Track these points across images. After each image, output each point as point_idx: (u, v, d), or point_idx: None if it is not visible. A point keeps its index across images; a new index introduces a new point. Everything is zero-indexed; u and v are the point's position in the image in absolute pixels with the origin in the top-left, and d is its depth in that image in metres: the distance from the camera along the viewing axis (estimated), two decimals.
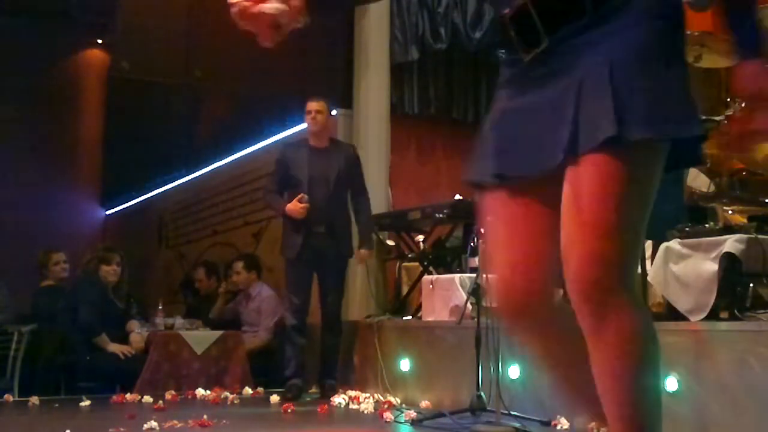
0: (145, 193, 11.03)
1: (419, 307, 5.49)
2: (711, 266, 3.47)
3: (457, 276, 5.01)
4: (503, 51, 1.68)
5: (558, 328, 1.67)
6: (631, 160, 1.47)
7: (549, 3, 1.55)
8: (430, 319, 5.14)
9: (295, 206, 5.46)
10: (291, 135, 7.18)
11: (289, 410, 4.77)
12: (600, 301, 1.49)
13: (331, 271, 5.62)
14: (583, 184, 1.49)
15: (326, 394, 5.44)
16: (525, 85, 1.61)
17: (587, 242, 1.48)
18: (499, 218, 1.66)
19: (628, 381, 1.53)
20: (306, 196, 5.46)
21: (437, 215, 5.64)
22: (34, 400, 5.25)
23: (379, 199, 6.30)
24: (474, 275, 4.28)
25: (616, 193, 1.47)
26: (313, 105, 5.63)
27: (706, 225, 3.75)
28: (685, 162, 1.62)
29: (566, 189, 1.52)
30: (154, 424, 3.92)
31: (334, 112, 6.29)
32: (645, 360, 1.53)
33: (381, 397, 5.08)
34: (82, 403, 5.03)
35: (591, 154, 1.47)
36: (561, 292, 1.69)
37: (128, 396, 5.42)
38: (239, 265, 6.81)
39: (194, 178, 9.63)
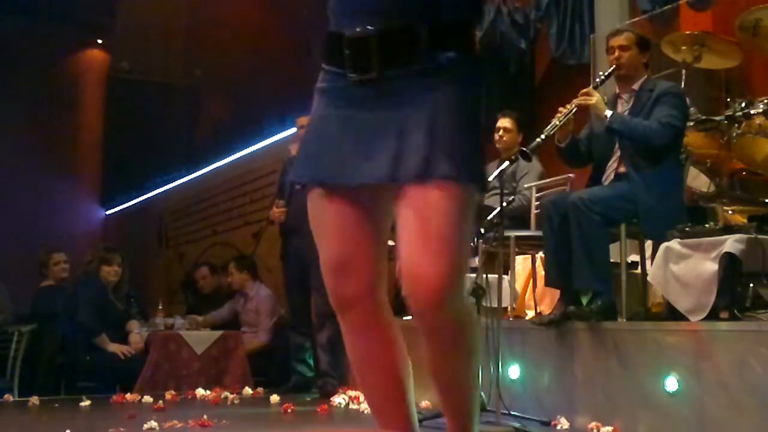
0: (145, 193, 11.04)
1: None
2: (711, 266, 3.46)
3: None
4: (326, 61, 1.82)
5: (381, 331, 1.89)
6: (464, 195, 1.71)
7: (388, 42, 1.71)
8: None
9: (273, 211, 5.74)
10: (291, 135, 7.19)
11: (289, 410, 4.76)
12: (443, 310, 1.74)
13: (314, 272, 5.65)
14: (420, 209, 1.68)
15: (322, 393, 5.47)
16: (347, 100, 1.77)
17: (435, 258, 1.67)
18: (322, 219, 1.81)
19: (463, 359, 1.90)
20: (282, 202, 5.68)
21: None
22: (34, 400, 5.25)
23: None
24: (474, 275, 4.28)
25: (455, 218, 1.70)
26: (301, 120, 5.81)
27: (706, 225, 3.75)
28: None
29: (407, 212, 1.70)
30: (154, 424, 3.92)
31: None
32: (472, 365, 1.89)
33: None
34: (82, 403, 5.02)
35: (420, 185, 1.68)
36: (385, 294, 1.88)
37: (128, 396, 5.41)
38: (232, 266, 6.92)
39: (194, 178, 9.63)
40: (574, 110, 4.04)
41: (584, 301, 3.94)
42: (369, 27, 1.70)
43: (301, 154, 1.86)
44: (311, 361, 5.81)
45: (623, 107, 4.13)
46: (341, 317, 1.85)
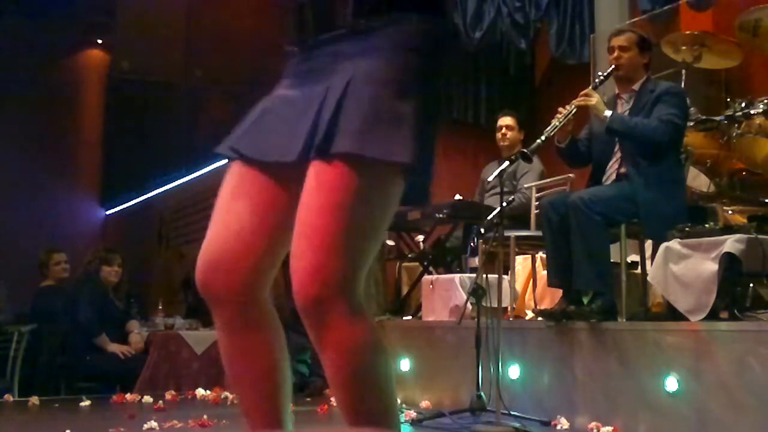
0: (145, 193, 11.03)
1: (419, 307, 5.49)
2: (711, 266, 3.46)
3: (457, 276, 5.01)
4: (289, 40, 1.74)
5: (256, 332, 1.66)
6: (348, 173, 1.50)
7: (320, 6, 1.63)
8: (430, 319, 5.14)
9: None
10: None
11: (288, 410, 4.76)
12: (319, 315, 1.51)
13: None
14: (309, 195, 1.52)
15: (311, 392, 5.50)
16: (295, 78, 1.68)
17: (306, 256, 1.49)
18: (228, 194, 1.68)
19: (352, 391, 1.55)
20: None
21: (437, 215, 5.64)
22: (34, 400, 5.24)
23: None
24: (474, 275, 4.28)
25: (336, 204, 1.49)
26: None
27: (706, 225, 3.75)
28: (410, 199, 1.65)
29: (301, 199, 1.54)
30: (154, 424, 3.92)
31: None
32: (365, 370, 1.55)
33: None
34: (82, 403, 5.02)
35: (316, 162, 1.52)
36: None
37: (128, 396, 5.41)
38: None
39: (194, 178, 9.62)
40: (573, 111, 4.04)
41: (585, 301, 3.95)
42: None
43: (238, 127, 1.74)
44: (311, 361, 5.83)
45: (623, 108, 4.13)
46: (213, 311, 1.67)
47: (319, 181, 1.51)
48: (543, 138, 4.02)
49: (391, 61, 1.56)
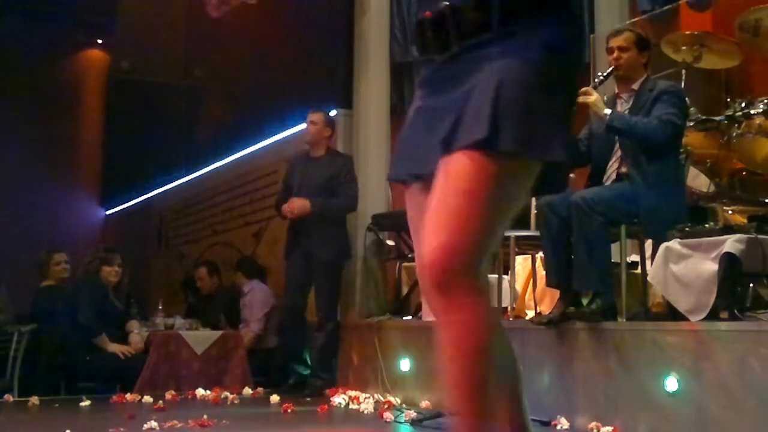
0: (145, 193, 11.03)
1: (419, 307, 5.49)
2: (711, 266, 3.46)
3: None
4: (419, 52, 1.79)
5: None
6: (497, 165, 1.57)
7: (463, 13, 1.66)
8: (430, 319, 5.14)
9: (294, 203, 5.65)
10: (291, 135, 7.20)
11: (289, 410, 4.77)
12: (448, 289, 1.57)
13: (320, 274, 5.68)
14: (448, 177, 1.58)
15: (311, 392, 5.50)
16: (434, 87, 1.73)
17: (440, 235, 1.56)
18: (415, 215, 1.75)
19: (469, 368, 1.62)
20: (295, 199, 5.68)
21: None
22: (34, 400, 5.25)
23: (379, 199, 6.31)
24: None
25: (475, 190, 1.56)
26: (309, 116, 5.87)
27: (706, 225, 3.75)
28: (548, 188, 1.74)
29: (438, 179, 1.60)
30: (154, 424, 3.92)
31: (334, 113, 6.31)
32: (485, 347, 1.62)
33: (381, 397, 5.08)
34: (82, 403, 5.03)
35: (461, 151, 1.57)
36: None
37: (128, 396, 5.42)
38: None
39: (194, 178, 9.63)
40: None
41: (584, 301, 3.95)
42: (446, 3, 1.67)
43: (395, 152, 1.82)
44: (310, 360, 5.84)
45: (623, 107, 4.13)
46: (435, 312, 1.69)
47: (458, 167, 1.57)
48: None
49: (538, 61, 1.62)
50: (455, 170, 1.57)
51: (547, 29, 1.65)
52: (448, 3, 1.66)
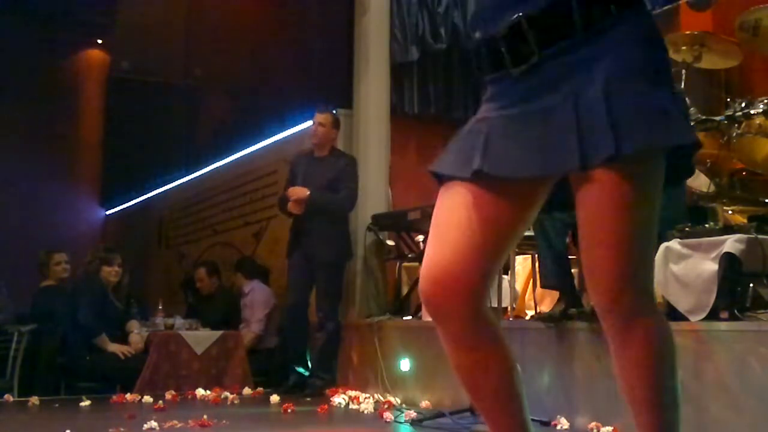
0: (145, 193, 11.03)
1: (419, 307, 5.49)
2: (711, 266, 3.46)
3: None
4: (486, 71, 1.74)
5: (483, 342, 1.72)
6: (636, 173, 1.57)
7: (542, 20, 1.63)
8: (430, 319, 5.13)
9: (293, 191, 5.69)
10: (291, 135, 7.20)
11: (289, 410, 4.77)
12: (624, 315, 1.62)
13: (321, 275, 5.69)
14: (598, 203, 1.57)
15: (311, 392, 5.50)
16: (512, 99, 1.68)
17: (609, 264, 1.58)
18: (451, 212, 1.69)
19: (659, 386, 1.69)
20: (296, 187, 5.72)
21: None
22: (34, 400, 5.25)
23: (379, 199, 6.31)
24: None
25: (629, 210, 1.57)
26: (317, 117, 5.85)
27: (706, 225, 3.75)
28: (683, 173, 1.73)
29: (583, 208, 1.60)
30: (154, 424, 3.92)
31: (335, 112, 6.32)
32: (671, 363, 1.72)
33: (381, 397, 5.08)
34: (82, 403, 5.02)
35: (599, 170, 1.56)
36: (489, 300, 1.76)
37: (128, 396, 5.42)
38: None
39: (194, 178, 9.62)
40: None
41: (585, 302, 3.95)
42: (519, 14, 1.64)
43: (450, 149, 1.75)
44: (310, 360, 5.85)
45: None
46: (438, 327, 1.73)
47: (615, 191, 1.56)
48: None
49: (635, 53, 1.61)
50: (601, 195, 1.56)
51: (632, 22, 1.64)
52: (521, 14, 1.63)
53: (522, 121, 1.64)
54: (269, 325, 6.59)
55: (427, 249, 1.72)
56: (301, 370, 5.80)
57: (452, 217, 1.68)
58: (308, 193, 5.62)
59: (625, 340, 1.66)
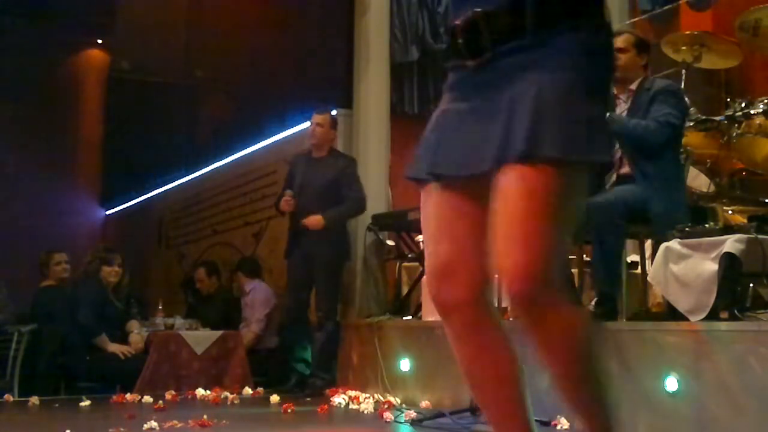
0: (145, 193, 11.03)
1: (419, 307, 5.49)
2: (711, 266, 3.46)
3: None
4: (450, 58, 1.79)
5: (489, 336, 1.77)
6: (552, 175, 1.60)
7: (496, 19, 1.67)
8: (430, 319, 5.14)
9: (284, 201, 5.72)
10: (291, 135, 7.20)
11: (289, 410, 4.77)
12: (534, 309, 1.63)
13: (321, 274, 5.69)
14: (510, 197, 1.61)
15: (311, 392, 5.50)
16: (467, 91, 1.74)
17: (515, 256, 1.59)
18: (432, 214, 1.77)
19: (579, 374, 1.72)
20: (290, 192, 5.72)
21: None
22: (34, 400, 5.25)
23: (379, 199, 6.31)
24: None
25: (543, 208, 1.61)
26: (316, 118, 5.84)
27: (706, 225, 3.75)
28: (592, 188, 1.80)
29: (500, 196, 1.63)
30: (154, 424, 3.92)
31: (333, 113, 6.32)
32: (588, 349, 1.72)
33: (381, 397, 5.08)
34: (82, 403, 5.02)
35: (516, 166, 1.60)
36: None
37: (128, 396, 5.42)
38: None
39: (194, 178, 9.62)
40: None
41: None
42: (477, 9, 1.68)
43: (418, 151, 1.82)
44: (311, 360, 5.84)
45: (621, 108, 4.13)
46: (445, 323, 1.77)
47: (524, 186, 1.60)
48: None
49: (576, 65, 1.65)
50: (522, 188, 1.60)
51: (583, 36, 1.68)
52: (480, 9, 1.67)
53: (470, 117, 1.70)
54: (269, 324, 6.59)
55: (426, 249, 1.78)
56: (301, 370, 5.81)
57: (439, 215, 1.75)
58: (322, 221, 5.60)
59: (537, 331, 1.68)
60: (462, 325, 1.75)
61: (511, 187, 1.60)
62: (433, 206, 1.77)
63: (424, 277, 5.50)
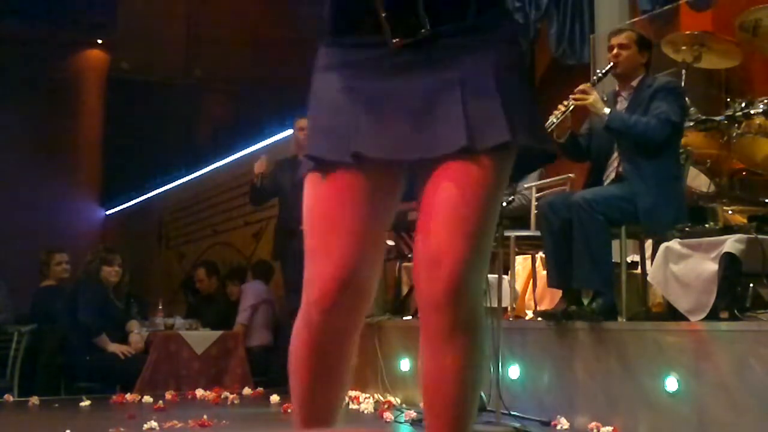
0: (145, 193, 11.04)
1: None
2: (711, 266, 3.46)
3: None
4: (346, 32, 1.62)
5: (350, 338, 1.69)
6: (503, 165, 1.56)
7: (442, 2, 1.56)
8: None
9: (258, 164, 5.89)
10: (291, 135, 7.20)
11: (289, 410, 4.76)
12: (453, 319, 1.54)
13: None
14: (459, 186, 1.52)
15: None
16: (380, 71, 1.58)
17: (461, 250, 1.51)
18: (335, 200, 1.60)
19: (464, 400, 1.62)
20: (264, 156, 5.93)
21: None
22: (34, 400, 5.25)
23: None
24: None
25: (485, 197, 1.54)
26: (298, 123, 5.89)
27: (706, 225, 3.75)
28: (522, 174, 1.74)
29: (442, 190, 1.53)
30: (154, 424, 3.92)
31: None
32: (479, 372, 1.62)
33: (381, 397, 5.08)
34: (82, 403, 5.02)
35: (475, 157, 1.52)
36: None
37: (128, 396, 5.42)
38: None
39: (194, 178, 9.63)
40: (571, 108, 4.04)
41: (585, 301, 3.95)
42: None
43: (318, 129, 1.63)
44: None
45: (622, 105, 4.13)
46: (322, 320, 1.63)
47: (469, 174, 1.52)
48: None
49: (515, 52, 1.62)
50: (467, 177, 1.52)
51: (511, 22, 1.69)
52: None
53: (399, 98, 1.55)
54: (257, 317, 6.63)
55: (313, 241, 1.65)
56: None
57: (337, 210, 1.59)
58: None
59: (445, 348, 1.59)
60: (343, 320, 1.64)
61: (458, 173, 1.51)
62: (335, 193, 1.59)
63: None
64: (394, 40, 1.56)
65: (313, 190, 1.63)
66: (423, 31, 1.55)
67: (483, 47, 1.57)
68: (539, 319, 4.23)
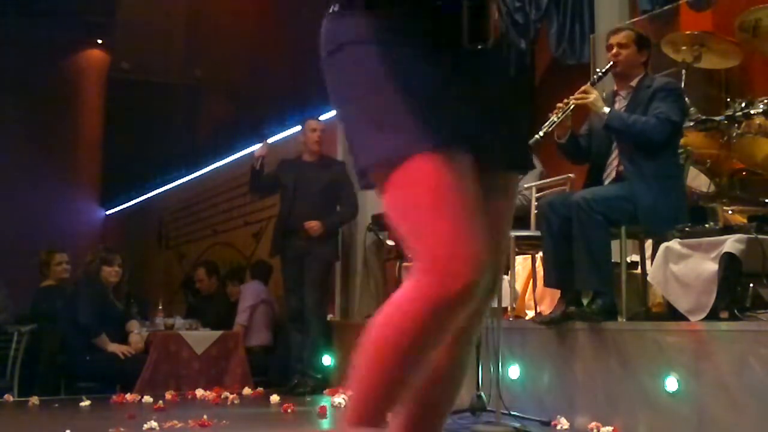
0: (145, 193, 11.05)
1: None
2: (711, 266, 3.46)
3: None
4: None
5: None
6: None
7: (480, 10, 1.53)
8: None
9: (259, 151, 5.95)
10: (291, 135, 7.20)
11: (289, 410, 4.77)
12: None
13: (311, 273, 5.72)
14: (509, 205, 1.70)
15: (303, 391, 5.53)
16: (468, 68, 1.54)
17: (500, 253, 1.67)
18: (470, 180, 1.48)
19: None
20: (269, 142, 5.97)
21: None
22: (34, 400, 5.25)
23: (379, 199, 6.31)
24: None
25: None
26: (314, 124, 5.93)
27: (706, 225, 3.75)
28: None
29: (504, 202, 1.67)
30: (154, 424, 3.92)
31: (334, 113, 6.33)
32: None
33: None
34: (82, 403, 5.02)
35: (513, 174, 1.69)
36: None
37: (128, 396, 5.42)
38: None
39: (194, 178, 9.63)
40: (571, 107, 4.04)
41: (585, 301, 3.95)
42: None
43: (427, 103, 1.46)
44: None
45: (621, 104, 4.13)
46: (454, 311, 1.47)
47: (514, 192, 1.72)
48: (541, 134, 4.02)
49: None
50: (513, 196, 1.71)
51: None
52: None
53: (480, 98, 1.55)
54: (256, 318, 6.63)
55: (455, 223, 1.45)
56: (302, 369, 5.80)
57: (474, 192, 1.48)
58: (322, 227, 5.68)
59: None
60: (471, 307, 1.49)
61: (509, 192, 1.68)
62: (467, 180, 1.47)
63: None
64: (468, 46, 1.52)
65: (444, 169, 1.45)
66: (489, 42, 1.53)
67: (505, 71, 1.66)
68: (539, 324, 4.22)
